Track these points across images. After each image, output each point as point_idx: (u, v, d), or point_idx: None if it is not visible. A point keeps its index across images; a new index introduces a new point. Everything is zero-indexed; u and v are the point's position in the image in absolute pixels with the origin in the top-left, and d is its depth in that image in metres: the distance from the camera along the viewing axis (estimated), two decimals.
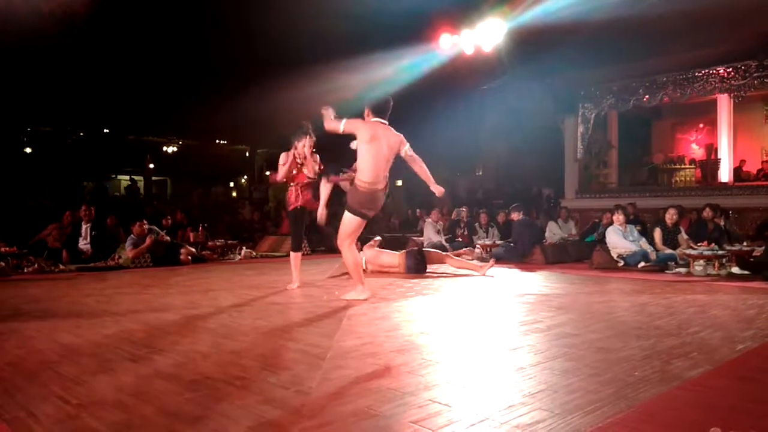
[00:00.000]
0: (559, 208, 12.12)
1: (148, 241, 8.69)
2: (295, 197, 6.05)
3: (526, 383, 2.66)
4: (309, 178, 6.06)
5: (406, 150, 5.08)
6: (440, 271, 7.83)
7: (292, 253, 6.26)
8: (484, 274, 7.32)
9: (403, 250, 7.92)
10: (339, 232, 5.16)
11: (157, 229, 9.28)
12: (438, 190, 5.20)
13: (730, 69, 10.58)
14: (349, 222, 5.06)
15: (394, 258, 7.66)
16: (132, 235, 8.73)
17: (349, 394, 2.51)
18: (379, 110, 5.10)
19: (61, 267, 8.34)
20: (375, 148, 4.92)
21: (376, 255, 7.74)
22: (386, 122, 5.10)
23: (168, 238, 9.34)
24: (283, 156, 6.09)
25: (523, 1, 9.67)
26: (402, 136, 5.09)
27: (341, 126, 4.97)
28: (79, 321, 4.33)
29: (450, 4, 11.52)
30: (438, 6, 11.65)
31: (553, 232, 10.37)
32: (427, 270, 7.64)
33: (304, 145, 6.03)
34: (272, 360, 3.12)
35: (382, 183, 5.02)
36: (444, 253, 8.07)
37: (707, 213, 8.61)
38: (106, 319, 4.38)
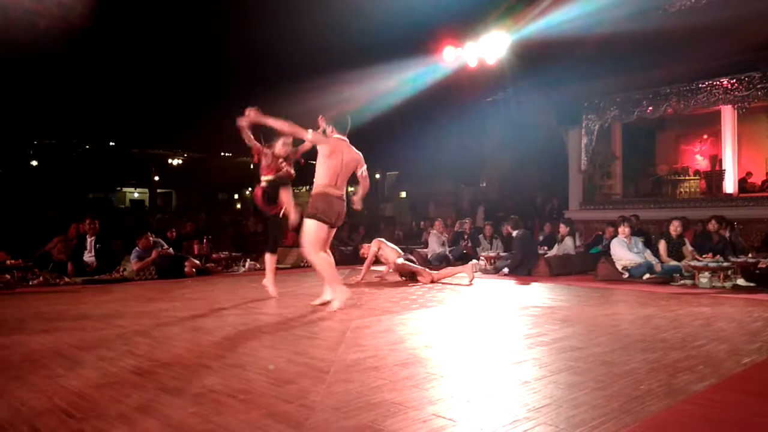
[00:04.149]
0: (562, 219, 12.09)
1: (153, 254, 8.70)
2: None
3: (530, 397, 2.65)
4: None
5: (362, 171, 5.44)
6: (444, 282, 7.84)
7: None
8: (471, 282, 7.77)
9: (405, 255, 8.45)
10: (304, 243, 5.23)
11: (161, 241, 9.30)
12: (358, 203, 5.50)
13: (734, 80, 10.59)
14: (311, 228, 5.18)
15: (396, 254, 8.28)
16: (137, 248, 8.75)
17: (353, 409, 2.50)
18: (341, 128, 5.42)
19: (66, 279, 8.36)
20: (334, 160, 5.23)
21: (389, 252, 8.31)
22: (346, 139, 5.41)
23: (172, 250, 9.34)
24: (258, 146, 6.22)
25: (527, 15, 9.72)
26: (361, 156, 5.42)
27: (309, 135, 5.28)
28: (84, 334, 4.33)
29: (454, 17, 11.58)
30: (442, 19, 11.72)
31: (567, 243, 10.28)
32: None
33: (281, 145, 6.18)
34: (276, 373, 3.12)
35: (337, 191, 5.26)
36: (420, 268, 8.18)
37: (712, 225, 8.57)
38: (110, 332, 4.39)
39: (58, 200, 20.41)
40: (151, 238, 8.94)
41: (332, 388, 2.80)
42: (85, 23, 11.00)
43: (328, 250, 5.57)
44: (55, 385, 2.95)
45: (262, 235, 15.39)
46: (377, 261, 8.46)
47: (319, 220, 5.16)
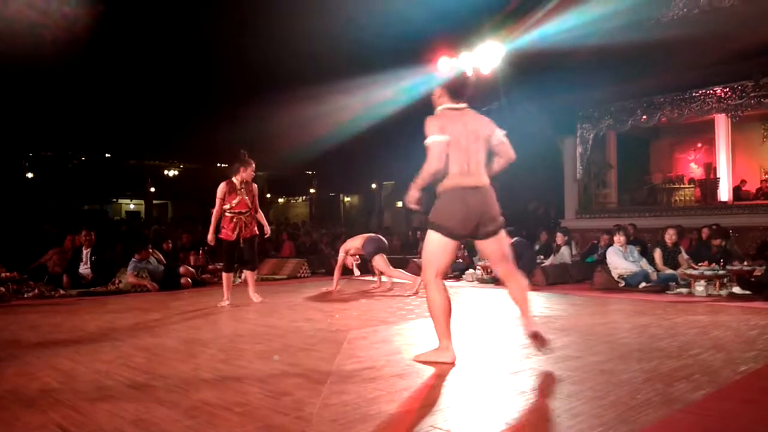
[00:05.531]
0: (559, 228, 12.11)
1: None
2: (231, 227, 6.50)
3: (527, 408, 2.64)
4: (247, 207, 6.53)
5: (497, 138, 3.76)
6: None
7: (223, 274, 6.73)
8: (416, 292, 7.59)
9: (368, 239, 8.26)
10: (422, 261, 3.69)
11: (158, 253, 9.28)
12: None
13: (727, 89, 10.64)
14: (430, 243, 3.55)
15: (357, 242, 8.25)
16: (134, 259, 8.70)
17: (349, 420, 2.49)
18: (453, 90, 3.78)
19: (62, 292, 8.32)
20: (450, 140, 3.52)
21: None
22: (463, 107, 3.75)
23: (164, 261, 9.29)
24: (221, 186, 6.56)
25: (521, 26, 9.78)
26: (490, 122, 3.80)
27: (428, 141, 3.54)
28: (79, 347, 4.31)
29: (449, 27, 11.65)
30: (437, 29, 11.79)
31: (563, 252, 10.27)
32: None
33: (243, 171, 6.55)
34: (272, 385, 3.11)
35: (473, 179, 3.52)
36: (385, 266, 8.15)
37: (716, 242, 8.53)
38: (105, 345, 4.37)
39: (54, 212, 20.34)
40: (149, 251, 8.90)
41: (329, 400, 2.79)
42: (86, 35, 11.03)
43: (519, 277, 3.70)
44: (50, 399, 2.93)
45: (258, 246, 15.39)
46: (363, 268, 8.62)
47: (436, 230, 3.52)
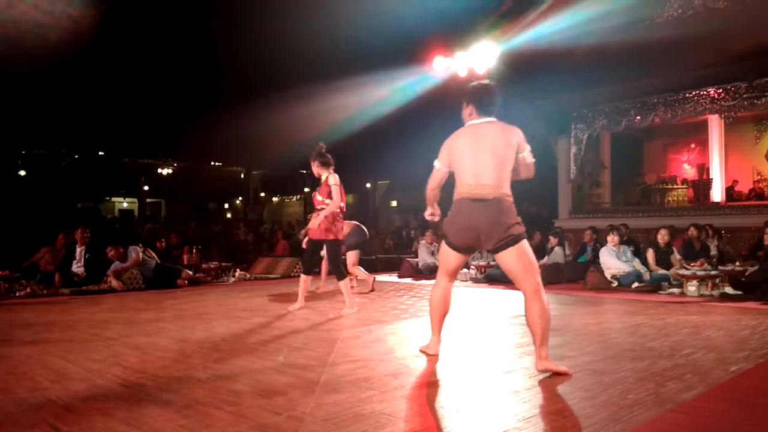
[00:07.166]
0: (552, 229, 12.15)
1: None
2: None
3: (520, 407, 2.65)
4: (319, 203, 5.87)
5: (525, 155, 3.53)
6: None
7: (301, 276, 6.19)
8: (372, 290, 7.87)
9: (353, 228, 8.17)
10: None
11: (150, 251, 9.25)
12: None
13: (720, 90, 10.69)
14: (440, 247, 3.73)
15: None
16: (115, 261, 8.65)
17: (342, 420, 2.49)
18: (480, 105, 3.57)
19: (54, 290, 8.27)
20: (457, 150, 3.54)
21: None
22: (487, 120, 3.55)
23: (156, 259, 9.27)
24: (332, 178, 5.81)
25: (516, 26, 9.81)
26: (515, 133, 3.51)
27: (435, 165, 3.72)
28: (72, 346, 4.29)
29: (444, 27, 11.67)
30: (432, 29, 11.81)
31: (557, 252, 10.31)
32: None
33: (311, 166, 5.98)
34: (265, 384, 3.10)
35: (478, 191, 3.38)
36: (354, 269, 8.07)
37: (692, 232, 8.66)
38: (98, 344, 4.35)
39: (47, 210, 20.27)
40: (132, 247, 8.83)
41: (322, 400, 2.79)
42: (81, 34, 11.00)
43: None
44: (42, 398, 2.92)
45: (252, 245, 15.38)
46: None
47: (443, 237, 3.64)
